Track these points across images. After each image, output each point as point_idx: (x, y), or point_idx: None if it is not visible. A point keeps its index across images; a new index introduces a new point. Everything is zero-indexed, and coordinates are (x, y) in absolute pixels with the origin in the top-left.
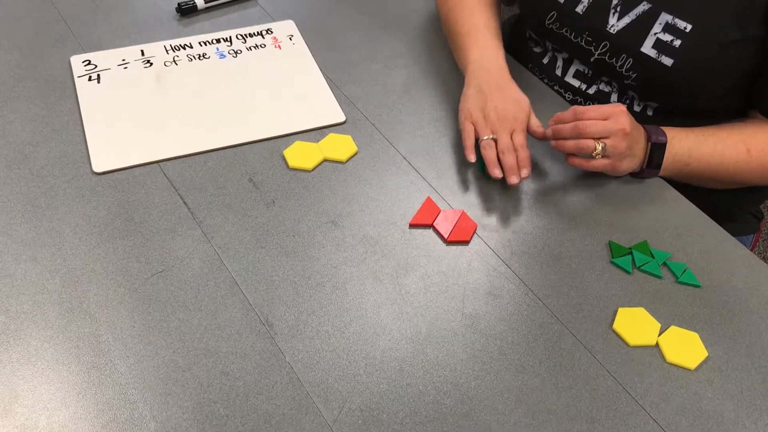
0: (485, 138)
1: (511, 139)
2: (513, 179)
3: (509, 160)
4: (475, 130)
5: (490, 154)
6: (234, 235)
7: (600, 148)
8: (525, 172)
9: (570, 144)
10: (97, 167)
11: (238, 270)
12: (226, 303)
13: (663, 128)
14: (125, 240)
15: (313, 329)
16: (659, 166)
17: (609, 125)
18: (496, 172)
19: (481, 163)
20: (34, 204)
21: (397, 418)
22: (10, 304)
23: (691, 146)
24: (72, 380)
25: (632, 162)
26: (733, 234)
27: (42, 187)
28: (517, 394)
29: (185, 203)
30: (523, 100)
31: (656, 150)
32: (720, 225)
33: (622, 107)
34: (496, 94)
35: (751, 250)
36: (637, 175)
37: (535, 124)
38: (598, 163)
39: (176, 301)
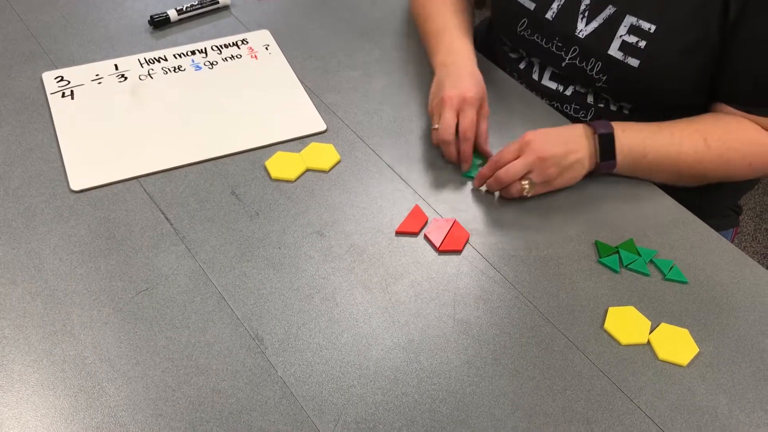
0: (434, 127)
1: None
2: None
3: (465, 148)
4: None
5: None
6: (218, 249)
7: (527, 185)
8: (465, 166)
9: (505, 194)
10: (75, 185)
11: (224, 285)
12: (214, 319)
13: (613, 122)
14: (107, 259)
15: (304, 342)
16: (614, 156)
17: (525, 160)
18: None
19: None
20: (10, 225)
21: (394, 428)
22: None
23: (645, 137)
24: (59, 405)
25: (575, 172)
26: (715, 229)
27: (18, 208)
28: (513, 399)
29: (167, 219)
30: (477, 76)
31: (605, 140)
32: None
33: (528, 135)
34: (451, 78)
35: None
36: (594, 172)
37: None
38: (539, 191)
39: (163, 319)
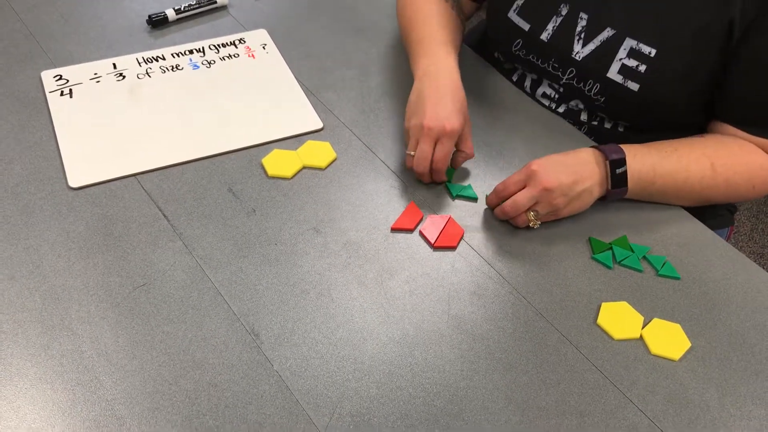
0: (409, 153)
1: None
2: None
3: (436, 178)
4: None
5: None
6: (215, 245)
7: (533, 217)
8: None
9: (512, 223)
10: (73, 182)
11: (221, 280)
12: (211, 314)
13: (622, 146)
14: (105, 255)
15: (300, 337)
16: (625, 183)
17: (530, 192)
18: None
19: (453, 189)
20: (9, 222)
21: (389, 421)
22: None
23: (655, 162)
24: (57, 398)
25: (583, 201)
26: (710, 228)
27: (17, 205)
28: (507, 392)
29: (164, 215)
30: (459, 97)
31: (616, 167)
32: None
33: (534, 165)
34: (433, 99)
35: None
36: (605, 199)
37: (468, 146)
38: (545, 219)
39: (160, 314)
